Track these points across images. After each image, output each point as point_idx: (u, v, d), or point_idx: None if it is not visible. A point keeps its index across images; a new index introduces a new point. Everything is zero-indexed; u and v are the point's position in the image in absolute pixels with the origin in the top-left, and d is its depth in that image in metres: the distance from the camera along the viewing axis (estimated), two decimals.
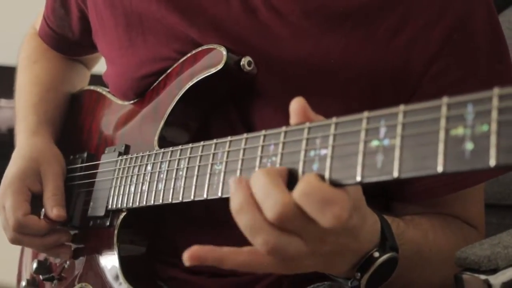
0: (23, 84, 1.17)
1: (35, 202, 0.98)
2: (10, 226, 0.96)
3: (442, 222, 0.87)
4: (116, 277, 0.89)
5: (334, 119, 0.59)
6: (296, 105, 0.62)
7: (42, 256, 1.09)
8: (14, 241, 0.98)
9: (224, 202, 0.62)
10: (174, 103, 0.88)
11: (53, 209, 0.96)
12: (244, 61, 0.82)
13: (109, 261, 0.91)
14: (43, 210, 0.98)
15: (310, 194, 0.55)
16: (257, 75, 0.85)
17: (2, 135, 1.84)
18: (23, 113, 1.10)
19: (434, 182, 0.85)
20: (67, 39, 1.16)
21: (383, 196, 0.92)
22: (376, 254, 0.67)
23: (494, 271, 0.72)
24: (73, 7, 1.09)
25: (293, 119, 0.62)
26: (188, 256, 0.60)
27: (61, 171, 1.01)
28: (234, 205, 0.60)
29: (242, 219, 0.59)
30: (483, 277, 0.71)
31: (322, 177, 0.58)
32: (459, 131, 0.49)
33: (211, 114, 0.90)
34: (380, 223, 0.69)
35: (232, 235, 0.87)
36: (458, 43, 0.82)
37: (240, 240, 0.81)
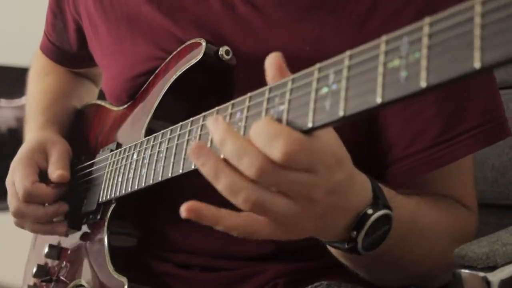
0: (34, 93, 1.23)
1: (43, 178, 1.02)
2: (18, 196, 1.00)
3: (434, 197, 0.87)
4: (106, 268, 0.91)
5: (291, 76, 0.62)
6: (272, 59, 0.63)
7: (42, 260, 1.11)
8: (17, 212, 1.01)
9: (215, 194, 0.62)
10: (161, 97, 0.92)
11: (55, 172, 1.01)
12: (222, 50, 0.86)
13: (100, 253, 0.93)
14: None
15: (259, 132, 0.58)
16: (237, 68, 0.88)
17: (2, 135, 1.88)
18: (32, 115, 1.16)
19: (414, 161, 0.85)
20: (67, 52, 1.21)
21: None
22: (370, 211, 0.68)
23: (492, 268, 0.71)
24: (69, 20, 1.15)
25: (268, 73, 0.64)
26: (185, 208, 0.60)
27: (66, 149, 1.06)
28: (207, 173, 0.61)
29: (220, 183, 0.60)
30: (481, 274, 0.71)
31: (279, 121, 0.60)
32: (395, 62, 0.50)
33: (197, 107, 0.93)
34: (371, 183, 0.70)
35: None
36: None
37: None
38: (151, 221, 0.96)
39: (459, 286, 0.73)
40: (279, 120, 0.60)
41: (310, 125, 0.57)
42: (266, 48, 0.87)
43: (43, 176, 1.02)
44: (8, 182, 1.04)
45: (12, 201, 1.02)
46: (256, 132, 0.58)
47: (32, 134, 1.11)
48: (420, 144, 0.85)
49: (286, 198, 0.60)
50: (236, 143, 0.59)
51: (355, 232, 0.68)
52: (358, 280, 0.88)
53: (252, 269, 0.92)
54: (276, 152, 0.57)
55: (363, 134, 0.88)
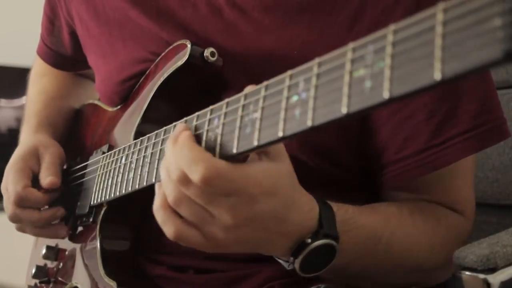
0: (31, 95, 1.24)
1: (36, 182, 1.03)
2: (11, 201, 1.00)
3: (413, 208, 0.85)
4: (98, 271, 0.90)
5: (265, 83, 0.60)
6: None
7: (41, 261, 1.12)
8: (13, 217, 1.02)
9: None
10: (149, 100, 0.91)
11: (46, 178, 1.01)
12: (207, 52, 0.85)
13: (93, 256, 0.93)
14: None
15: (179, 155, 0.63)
16: (225, 72, 0.87)
17: (2, 135, 1.89)
18: (27, 118, 1.17)
19: (405, 165, 0.84)
20: (63, 55, 1.21)
21: (360, 190, 0.91)
22: (308, 241, 0.70)
23: (493, 270, 0.71)
24: (63, 24, 1.15)
25: None
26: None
27: (58, 153, 1.07)
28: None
29: (160, 172, 0.67)
30: (482, 276, 0.71)
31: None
32: (361, 72, 0.49)
33: (187, 109, 0.92)
34: (320, 211, 0.71)
35: None
36: None
37: None
38: (144, 223, 0.96)
39: None
40: (251, 132, 0.59)
41: (280, 134, 0.56)
42: (254, 52, 0.86)
43: (36, 180, 1.02)
44: (2, 187, 1.05)
45: (7, 206, 1.02)
46: (173, 157, 0.64)
47: (25, 137, 1.11)
48: (411, 148, 0.83)
49: (201, 208, 0.65)
50: (169, 150, 0.66)
51: (292, 258, 0.71)
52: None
53: (247, 271, 0.91)
54: (196, 176, 0.61)
55: (355, 137, 0.87)
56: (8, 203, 1.02)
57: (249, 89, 0.63)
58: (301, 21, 0.84)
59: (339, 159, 0.88)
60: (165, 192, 0.66)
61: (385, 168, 0.86)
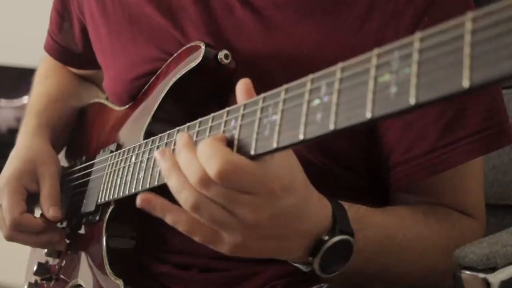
0: (33, 96, 1.22)
1: (31, 200, 1.02)
2: (6, 224, 0.99)
3: (427, 211, 0.86)
4: (104, 270, 0.91)
5: (284, 86, 0.61)
6: (241, 85, 0.67)
7: (43, 258, 1.11)
8: (9, 238, 1.01)
9: None
10: (160, 99, 0.92)
11: (49, 209, 1.00)
12: (221, 54, 0.85)
13: (98, 255, 0.93)
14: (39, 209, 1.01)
15: (202, 149, 0.63)
16: (236, 70, 0.87)
17: (2, 135, 1.88)
18: (27, 118, 1.15)
19: (413, 166, 0.85)
20: (72, 51, 1.20)
21: (370, 193, 0.92)
22: (326, 238, 0.70)
23: (493, 269, 0.71)
24: (74, 20, 1.14)
25: (238, 98, 0.67)
26: (140, 198, 0.68)
27: (57, 170, 1.05)
28: (162, 171, 0.68)
29: (170, 181, 0.66)
30: (482, 275, 0.71)
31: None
32: (386, 77, 0.50)
33: (198, 110, 0.93)
34: (332, 208, 0.72)
35: None
36: (429, 25, 0.83)
37: None
38: (150, 222, 0.96)
39: None
40: (270, 134, 0.60)
41: (301, 137, 0.57)
42: (263, 51, 0.87)
43: (30, 199, 1.02)
44: None
45: (2, 226, 1.01)
46: (200, 148, 0.63)
47: (22, 142, 1.09)
48: (419, 149, 0.84)
49: (222, 209, 0.64)
50: (174, 179, 0.66)
51: (311, 258, 0.71)
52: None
53: (250, 270, 0.92)
54: (211, 170, 0.61)
55: (363, 138, 0.87)
56: (3, 223, 1.01)
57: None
58: (311, 19, 0.86)
59: (348, 160, 0.89)
60: (181, 200, 0.65)
61: (393, 169, 0.86)
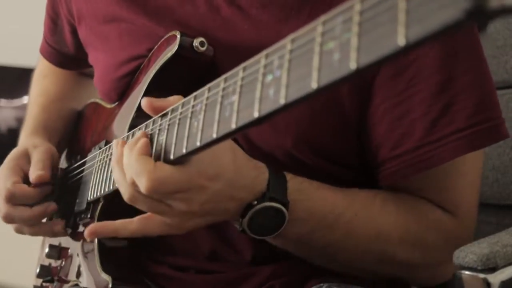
0: (32, 96, 1.23)
1: (28, 182, 1.01)
2: (2, 200, 1.00)
3: (389, 196, 0.85)
4: (95, 267, 0.90)
5: (242, 64, 0.59)
6: (144, 104, 0.76)
7: (46, 261, 1.11)
8: (6, 216, 1.01)
9: None
10: (143, 93, 0.91)
11: (34, 172, 1.00)
12: (197, 42, 0.84)
13: (92, 252, 0.93)
14: None
15: (129, 165, 0.72)
16: (223, 68, 0.85)
17: (2, 135, 1.88)
18: (26, 121, 1.16)
19: (400, 163, 0.83)
20: (65, 54, 1.20)
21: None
22: (254, 203, 0.76)
23: (493, 269, 0.71)
24: (64, 23, 1.14)
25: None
26: (86, 234, 0.78)
27: (46, 150, 1.06)
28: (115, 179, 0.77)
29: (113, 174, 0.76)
30: (482, 276, 0.71)
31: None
32: (330, 44, 0.47)
33: None
34: (268, 176, 0.76)
35: (218, 226, 0.87)
36: None
37: (230, 232, 0.89)
38: None
39: None
40: (229, 115, 0.58)
41: (256, 115, 0.55)
42: (251, 50, 0.84)
43: (27, 179, 1.02)
44: None
45: (0, 207, 1.02)
46: (127, 164, 0.72)
47: (22, 140, 1.11)
48: (407, 145, 0.82)
49: (157, 202, 0.73)
50: (116, 172, 0.75)
51: (241, 219, 0.76)
52: (356, 280, 0.87)
53: (248, 271, 0.91)
54: (141, 187, 0.70)
55: (352, 133, 0.86)
56: (1, 202, 1.01)
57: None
58: (299, 17, 0.84)
59: (336, 156, 0.87)
60: (120, 189, 0.74)
61: (382, 166, 0.85)
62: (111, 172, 0.87)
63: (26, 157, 1.05)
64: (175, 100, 0.74)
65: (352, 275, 0.87)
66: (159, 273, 0.95)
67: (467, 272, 0.71)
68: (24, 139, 1.11)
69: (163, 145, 0.71)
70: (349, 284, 0.86)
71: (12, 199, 0.99)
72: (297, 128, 0.83)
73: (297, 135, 0.83)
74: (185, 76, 0.88)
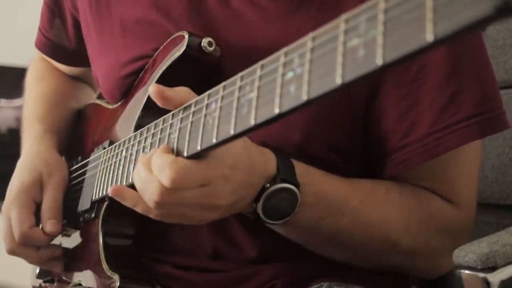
0: (31, 99, 1.21)
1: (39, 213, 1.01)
2: (15, 238, 0.99)
3: (391, 186, 0.86)
4: (101, 266, 0.90)
5: (260, 62, 0.60)
6: (153, 91, 0.76)
7: None
8: (12, 252, 1.01)
9: None
10: (149, 93, 0.91)
11: (47, 222, 0.99)
12: (205, 42, 0.84)
13: (96, 251, 0.93)
14: None
15: (154, 161, 0.72)
16: (230, 61, 0.86)
17: (2, 135, 1.86)
18: (30, 122, 1.14)
19: (408, 152, 0.84)
20: (64, 48, 1.18)
21: None
22: (267, 185, 0.77)
23: (492, 269, 0.72)
24: (67, 16, 1.13)
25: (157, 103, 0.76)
26: (111, 189, 0.79)
27: (63, 180, 1.04)
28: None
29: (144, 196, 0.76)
30: (481, 275, 0.71)
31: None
32: (354, 41, 0.49)
33: None
34: (276, 160, 0.78)
35: (221, 225, 0.88)
36: None
37: (233, 232, 0.90)
38: (148, 223, 0.95)
39: (458, 287, 0.72)
40: (248, 112, 0.60)
41: (277, 111, 0.56)
42: (259, 41, 0.87)
43: (39, 210, 1.01)
44: (3, 210, 1.02)
45: (6, 238, 1.01)
46: (153, 162, 0.72)
47: (29, 148, 1.08)
48: (415, 135, 0.83)
49: (187, 207, 0.75)
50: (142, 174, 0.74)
51: (254, 204, 0.77)
52: (357, 279, 0.88)
53: (250, 270, 0.91)
54: (165, 181, 0.70)
55: (359, 125, 0.87)
56: (7, 235, 1.01)
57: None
58: (308, 10, 0.85)
59: (342, 149, 0.88)
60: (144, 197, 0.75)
61: (389, 156, 0.86)
62: (117, 171, 0.88)
63: (39, 186, 1.02)
64: (184, 93, 0.76)
65: (356, 267, 0.88)
66: (162, 273, 0.95)
67: (466, 272, 0.72)
68: (33, 146, 1.08)
69: (175, 143, 0.72)
70: (350, 283, 0.87)
71: (26, 242, 0.99)
72: (305, 121, 0.84)
73: (305, 128, 0.84)
74: (191, 75, 0.89)
